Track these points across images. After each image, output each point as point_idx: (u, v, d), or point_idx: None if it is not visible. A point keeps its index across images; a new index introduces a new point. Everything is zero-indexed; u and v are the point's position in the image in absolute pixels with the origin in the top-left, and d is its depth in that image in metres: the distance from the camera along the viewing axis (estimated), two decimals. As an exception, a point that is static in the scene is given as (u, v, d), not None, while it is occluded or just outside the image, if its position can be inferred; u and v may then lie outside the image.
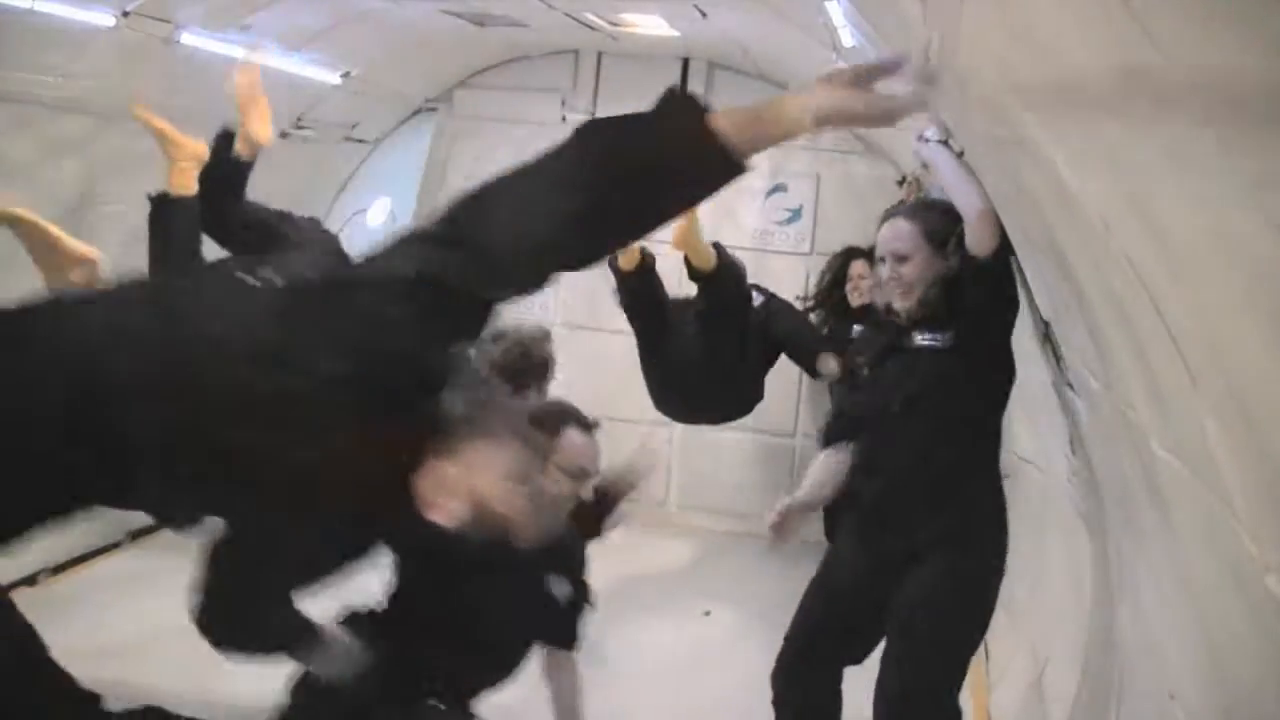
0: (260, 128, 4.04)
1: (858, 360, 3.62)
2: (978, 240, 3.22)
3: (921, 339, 3.39)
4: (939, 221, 3.39)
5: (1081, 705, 3.35)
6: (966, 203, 3.23)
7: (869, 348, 3.62)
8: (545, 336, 4.45)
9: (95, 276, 3.14)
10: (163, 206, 3.99)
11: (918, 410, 3.41)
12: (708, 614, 5.75)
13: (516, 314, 5.90)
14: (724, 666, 5.04)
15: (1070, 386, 3.26)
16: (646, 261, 5.42)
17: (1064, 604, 3.84)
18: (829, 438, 3.74)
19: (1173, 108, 1.37)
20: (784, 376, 6.46)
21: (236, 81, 4.04)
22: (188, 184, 3.97)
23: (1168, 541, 2.22)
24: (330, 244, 4.35)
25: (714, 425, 6.28)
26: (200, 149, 4.00)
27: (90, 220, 5.27)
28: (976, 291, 3.32)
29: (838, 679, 3.72)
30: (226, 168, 4.03)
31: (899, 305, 3.41)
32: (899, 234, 3.41)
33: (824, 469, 3.67)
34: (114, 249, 5.55)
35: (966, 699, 4.65)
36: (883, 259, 3.43)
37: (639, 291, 5.50)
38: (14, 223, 3.11)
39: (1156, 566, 2.40)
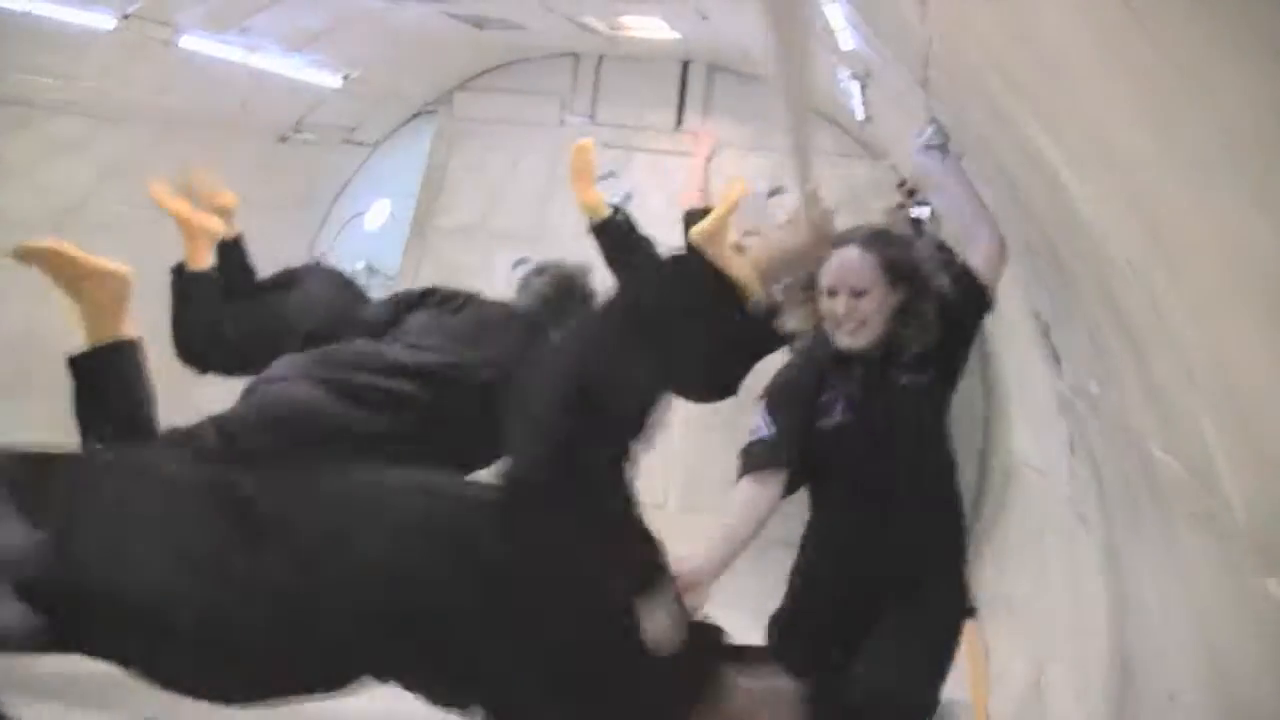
0: (215, 201, 4.18)
1: (822, 400, 3.25)
2: (991, 264, 3.14)
3: (906, 377, 3.19)
4: (897, 253, 3.21)
5: (1081, 706, 3.35)
6: (985, 228, 3.17)
7: (842, 383, 3.26)
8: (588, 270, 4.50)
9: (125, 293, 3.10)
10: (182, 279, 4.11)
11: (912, 453, 3.24)
12: (705, 617, 5.75)
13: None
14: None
15: (1069, 389, 3.26)
16: (617, 215, 5.69)
17: (1063, 605, 3.84)
18: (761, 463, 3.22)
19: (1175, 110, 1.37)
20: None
21: (153, 194, 4.15)
22: (204, 259, 4.09)
23: (1168, 543, 2.22)
24: (337, 279, 4.43)
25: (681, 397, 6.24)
26: (215, 225, 4.11)
27: (88, 222, 5.27)
28: (970, 322, 3.23)
29: None
30: (223, 255, 4.18)
31: (848, 342, 3.17)
32: (854, 265, 3.15)
33: (750, 510, 3.17)
34: (112, 252, 5.55)
35: (966, 699, 4.65)
36: (833, 291, 3.16)
37: (613, 245, 5.68)
38: (42, 258, 3.09)
39: (1157, 568, 2.40)
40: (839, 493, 3.32)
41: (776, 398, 3.31)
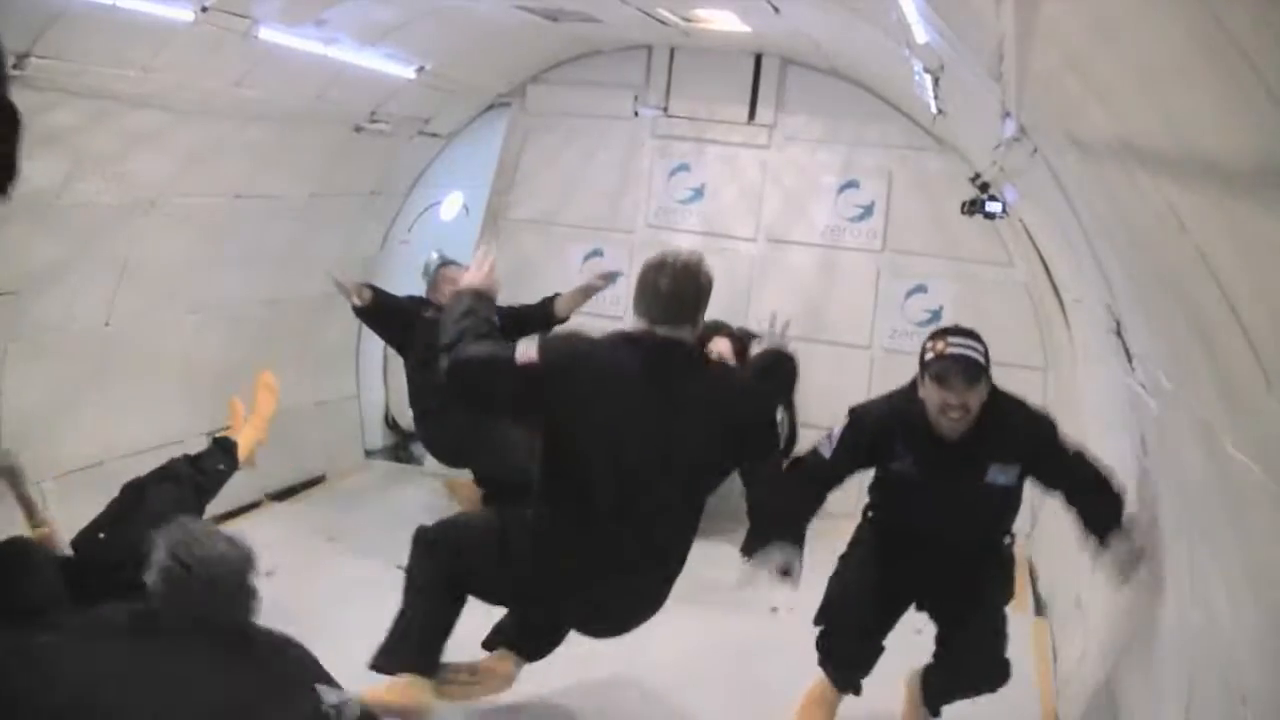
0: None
1: (896, 449, 3.88)
2: None
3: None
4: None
5: (1150, 707, 3.32)
6: None
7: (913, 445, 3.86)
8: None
9: None
10: None
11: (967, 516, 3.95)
12: (775, 610, 5.71)
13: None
14: (785, 659, 4.99)
15: (1141, 385, 3.22)
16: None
17: (1132, 605, 3.80)
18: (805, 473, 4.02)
19: (1258, 111, 1.35)
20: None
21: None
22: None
23: (1241, 543, 2.19)
24: None
25: None
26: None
27: (168, 211, 5.36)
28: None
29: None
30: None
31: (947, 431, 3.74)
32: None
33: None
34: (190, 241, 5.65)
35: (1034, 698, 4.61)
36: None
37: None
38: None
39: (1229, 568, 2.37)
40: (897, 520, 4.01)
41: (854, 432, 3.90)
